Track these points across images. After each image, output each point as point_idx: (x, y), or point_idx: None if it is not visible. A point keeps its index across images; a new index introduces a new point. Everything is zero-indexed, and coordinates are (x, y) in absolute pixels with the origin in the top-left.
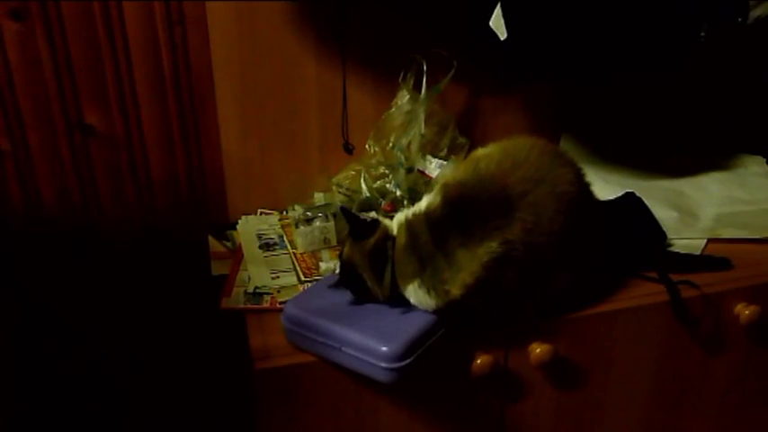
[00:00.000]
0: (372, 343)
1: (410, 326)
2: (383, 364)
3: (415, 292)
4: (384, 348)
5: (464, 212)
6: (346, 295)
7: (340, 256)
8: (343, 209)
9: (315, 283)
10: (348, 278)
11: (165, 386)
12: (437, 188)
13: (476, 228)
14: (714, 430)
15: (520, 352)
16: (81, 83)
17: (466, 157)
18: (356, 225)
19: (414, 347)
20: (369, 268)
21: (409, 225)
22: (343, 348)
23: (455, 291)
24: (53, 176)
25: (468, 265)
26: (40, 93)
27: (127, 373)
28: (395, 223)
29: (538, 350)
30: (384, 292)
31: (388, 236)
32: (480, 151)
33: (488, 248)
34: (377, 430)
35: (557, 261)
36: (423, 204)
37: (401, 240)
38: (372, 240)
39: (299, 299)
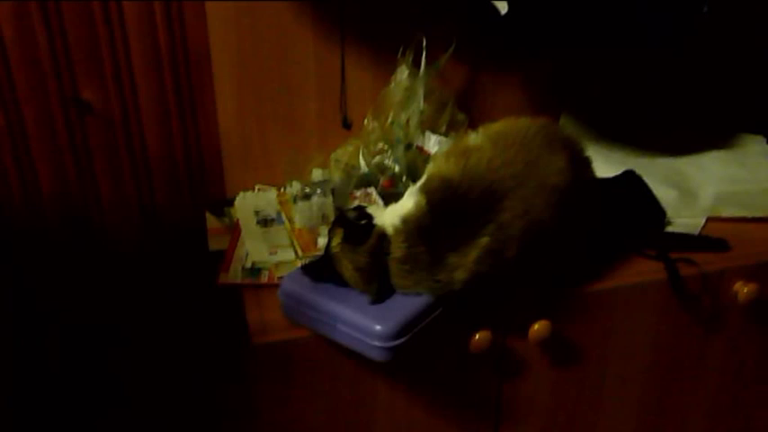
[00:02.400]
0: (366, 321)
1: (406, 305)
2: (376, 343)
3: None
4: (378, 327)
5: (452, 215)
6: None
7: (327, 245)
8: (340, 211)
9: (312, 258)
10: (330, 278)
11: (162, 361)
12: (420, 185)
13: (465, 228)
14: (712, 408)
15: (518, 328)
16: (77, 59)
17: (464, 134)
18: (349, 229)
19: (408, 327)
20: (360, 282)
21: (407, 235)
22: (338, 325)
23: (455, 286)
24: (49, 153)
25: (462, 263)
26: (35, 68)
27: (123, 348)
28: (388, 222)
29: (536, 326)
30: (371, 296)
31: (383, 236)
32: (472, 140)
33: (479, 244)
34: (374, 404)
35: (553, 243)
36: (410, 204)
37: (397, 253)
38: (364, 250)
39: (296, 274)
